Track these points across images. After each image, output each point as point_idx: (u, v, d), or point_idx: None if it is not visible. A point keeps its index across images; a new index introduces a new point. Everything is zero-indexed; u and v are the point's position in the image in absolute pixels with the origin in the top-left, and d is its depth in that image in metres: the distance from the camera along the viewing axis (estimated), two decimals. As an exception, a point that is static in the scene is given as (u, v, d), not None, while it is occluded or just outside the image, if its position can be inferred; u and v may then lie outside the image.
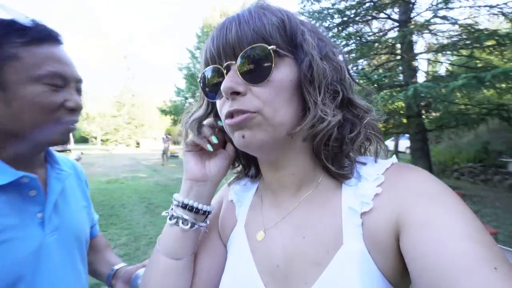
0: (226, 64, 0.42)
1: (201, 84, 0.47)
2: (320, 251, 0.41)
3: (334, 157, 0.43)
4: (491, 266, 0.27)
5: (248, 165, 0.58)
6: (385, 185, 0.40)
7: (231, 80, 0.41)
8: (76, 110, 0.62)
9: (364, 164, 0.44)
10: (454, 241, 0.29)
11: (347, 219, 0.40)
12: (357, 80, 0.47)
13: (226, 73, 0.42)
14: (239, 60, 0.41)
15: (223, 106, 0.44)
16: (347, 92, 0.44)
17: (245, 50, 0.40)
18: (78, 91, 0.66)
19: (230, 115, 0.42)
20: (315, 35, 0.44)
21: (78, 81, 0.65)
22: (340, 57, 0.45)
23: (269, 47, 0.39)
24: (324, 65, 0.42)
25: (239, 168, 0.58)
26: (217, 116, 0.51)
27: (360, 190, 0.41)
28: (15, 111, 0.55)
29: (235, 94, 0.41)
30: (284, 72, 0.41)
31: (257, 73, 0.40)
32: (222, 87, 0.41)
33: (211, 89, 0.46)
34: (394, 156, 0.44)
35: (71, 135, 0.65)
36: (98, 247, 0.87)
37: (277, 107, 0.40)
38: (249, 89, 0.41)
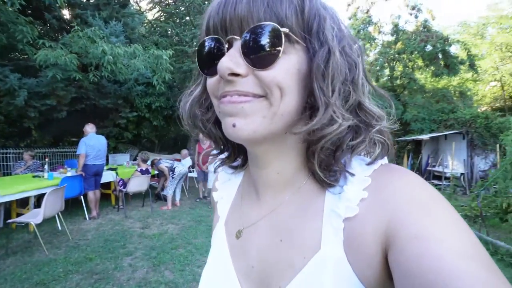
0: (228, 37, 0.36)
1: (197, 56, 0.40)
2: (296, 255, 0.39)
3: (325, 162, 0.39)
4: (491, 287, 0.26)
5: (236, 152, 0.52)
6: (372, 189, 0.36)
7: (231, 59, 0.35)
8: None
9: (352, 167, 0.40)
10: (452, 257, 0.27)
11: (328, 223, 0.38)
12: (371, 82, 0.41)
13: (228, 49, 0.36)
14: (244, 36, 0.35)
15: (218, 84, 0.38)
16: (359, 94, 0.38)
17: (253, 27, 0.34)
18: None
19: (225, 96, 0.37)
20: (336, 24, 0.38)
21: None
22: (357, 53, 0.39)
23: (282, 29, 0.34)
24: (342, 60, 0.36)
25: (223, 156, 0.52)
26: None
27: (345, 194, 0.37)
28: None
29: (233, 75, 0.35)
30: (293, 60, 0.35)
31: (262, 55, 0.34)
32: (219, 66, 0.35)
33: (207, 63, 0.39)
34: (385, 157, 0.40)
35: None
36: None
37: (284, 92, 0.35)
38: (251, 71, 0.35)
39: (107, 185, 5.90)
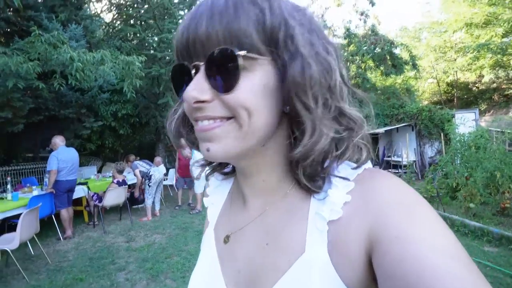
0: (194, 63, 0.36)
1: (172, 80, 0.41)
2: (281, 258, 0.39)
3: (310, 172, 0.39)
4: (473, 285, 0.26)
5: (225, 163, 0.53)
6: (355, 192, 0.37)
7: (196, 86, 0.35)
8: None
9: (337, 171, 0.40)
10: (432, 257, 0.28)
11: (312, 226, 0.38)
12: (349, 85, 0.40)
13: (194, 74, 0.36)
14: (206, 62, 0.35)
15: (191, 109, 0.38)
16: (338, 100, 0.37)
17: (212, 52, 0.34)
18: None
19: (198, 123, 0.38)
20: (308, 30, 0.36)
21: None
22: (333, 56, 0.37)
23: (237, 53, 0.33)
24: (319, 67, 0.35)
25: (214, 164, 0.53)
26: None
27: (329, 198, 0.37)
28: None
29: (199, 103, 0.36)
30: (257, 77, 0.35)
31: (224, 79, 0.34)
32: (184, 95, 0.35)
33: (180, 88, 0.39)
34: (369, 161, 0.40)
35: None
36: None
37: (251, 113, 0.35)
38: (216, 96, 0.35)
39: (77, 201, 5.48)
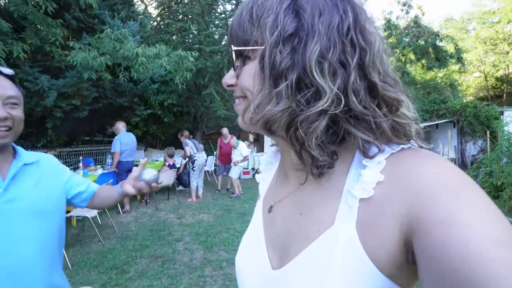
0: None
1: None
2: (311, 228, 0.42)
3: (299, 151, 0.40)
4: None
5: None
6: (388, 171, 0.36)
7: (229, 75, 0.46)
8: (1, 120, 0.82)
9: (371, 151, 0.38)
10: (480, 243, 0.26)
11: (344, 202, 0.39)
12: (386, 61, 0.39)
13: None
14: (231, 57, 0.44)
15: None
16: (368, 74, 0.37)
17: (230, 48, 0.44)
18: (10, 104, 0.84)
19: None
20: (292, 9, 0.37)
21: (8, 97, 0.84)
22: (337, 26, 0.36)
23: (233, 48, 0.42)
24: (281, 48, 0.36)
25: None
26: None
27: (362, 177, 0.38)
28: None
29: (230, 86, 0.46)
30: (254, 63, 0.41)
31: (235, 69, 0.44)
32: (222, 80, 0.47)
33: None
34: (413, 142, 0.39)
35: None
36: (100, 193, 1.11)
37: (253, 93, 0.41)
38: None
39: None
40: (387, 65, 0.39)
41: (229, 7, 8.17)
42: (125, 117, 7.89)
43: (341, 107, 0.35)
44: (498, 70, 19.12)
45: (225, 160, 6.87)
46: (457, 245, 0.27)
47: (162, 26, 8.89)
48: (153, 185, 1.01)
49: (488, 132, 8.57)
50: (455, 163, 9.62)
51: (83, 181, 1.12)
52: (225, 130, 6.83)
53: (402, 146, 0.38)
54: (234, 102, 0.48)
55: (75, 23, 6.01)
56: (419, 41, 11.94)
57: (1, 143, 0.84)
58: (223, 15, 7.33)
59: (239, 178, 7.03)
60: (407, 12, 12.98)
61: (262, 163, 0.64)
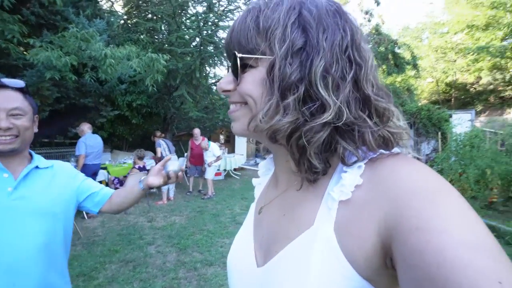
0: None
1: None
2: (292, 228, 0.44)
3: (298, 159, 0.42)
4: (495, 279, 0.24)
5: None
6: (367, 175, 0.37)
7: (226, 79, 0.46)
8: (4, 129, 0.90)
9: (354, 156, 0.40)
10: (454, 249, 0.26)
11: (324, 204, 0.41)
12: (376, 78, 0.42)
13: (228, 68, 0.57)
14: (230, 61, 0.44)
15: None
16: (365, 88, 0.39)
17: (229, 54, 0.44)
18: (15, 115, 0.93)
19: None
20: (298, 24, 0.39)
21: (12, 109, 0.92)
22: (336, 41, 0.38)
23: (238, 55, 0.42)
24: (290, 62, 0.38)
25: None
26: None
27: (342, 180, 0.39)
28: None
29: (226, 92, 0.46)
30: (257, 72, 0.42)
31: (235, 74, 0.44)
32: (217, 85, 0.47)
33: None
34: (395, 147, 0.41)
35: None
36: (118, 194, 1.14)
37: (255, 101, 0.42)
38: (235, 86, 0.45)
39: (98, 184, 5.87)
40: (378, 79, 0.42)
41: (200, 8, 8.14)
42: (90, 118, 7.51)
43: (344, 119, 0.37)
44: (448, 76, 21.20)
45: (196, 161, 6.85)
46: (432, 252, 0.27)
47: (130, 25, 8.62)
48: (180, 174, 1.08)
49: (439, 133, 9.46)
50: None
51: (97, 185, 1.17)
52: (196, 131, 6.80)
53: (382, 151, 0.39)
54: (227, 108, 0.52)
55: (34, 19, 5.64)
56: (380, 48, 12.82)
57: (8, 148, 0.93)
58: (194, 17, 7.28)
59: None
60: (369, 20, 13.87)
61: (260, 168, 0.66)
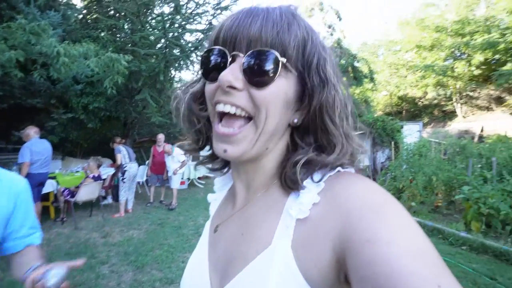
0: (233, 53, 0.40)
1: (202, 61, 0.44)
2: (250, 248, 0.42)
3: (291, 176, 0.42)
4: (435, 284, 0.27)
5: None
6: (324, 194, 0.39)
7: (232, 73, 0.39)
8: None
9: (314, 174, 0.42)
10: (399, 259, 0.29)
11: (282, 222, 0.41)
12: (353, 115, 0.46)
13: (230, 63, 0.40)
14: (249, 56, 0.39)
15: (215, 92, 0.42)
16: (350, 126, 0.44)
17: (259, 50, 0.39)
18: None
19: (221, 116, 0.42)
20: (333, 65, 0.43)
21: None
22: (345, 90, 0.44)
23: (281, 59, 0.39)
24: (342, 96, 0.42)
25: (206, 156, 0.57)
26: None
27: (300, 198, 0.40)
28: None
29: (231, 88, 0.40)
30: (283, 84, 0.40)
31: (259, 76, 0.39)
32: (221, 77, 0.39)
33: (209, 70, 0.43)
34: (349, 167, 0.44)
35: None
36: (22, 260, 0.94)
37: (268, 113, 0.40)
38: (246, 87, 0.40)
39: (44, 196, 5.28)
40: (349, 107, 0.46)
41: (167, 9, 7.86)
42: (38, 121, 6.82)
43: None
44: (400, 90, 23.32)
45: (158, 170, 6.52)
46: (381, 262, 0.29)
47: (89, 21, 8.02)
48: (63, 287, 0.82)
49: (392, 142, 10.21)
50: (368, 169, 11.19)
51: (30, 226, 0.99)
52: (160, 136, 6.47)
53: (339, 169, 0.42)
54: (220, 128, 0.42)
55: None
56: (341, 61, 13.61)
57: None
58: (160, 17, 6.99)
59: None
60: (332, 34, 14.65)
61: (216, 184, 0.63)
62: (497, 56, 18.31)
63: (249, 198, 0.48)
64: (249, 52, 0.39)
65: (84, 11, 8.15)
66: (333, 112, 0.42)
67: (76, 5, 7.70)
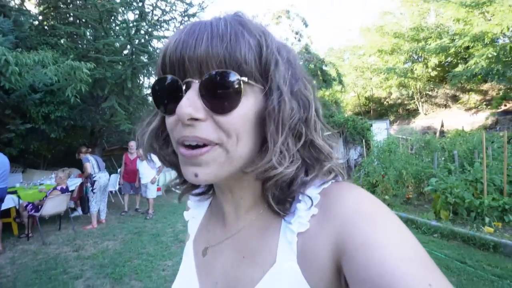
0: (187, 80, 0.36)
1: (153, 92, 0.40)
2: (255, 270, 0.41)
3: (278, 196, 0.41)
4: (427, 283, 0.28)
5: None
6: (321, 205, 0.39)
7: (190, 104, 0.35)
8: None
9: (306, 188, 0.41)
10: (393, 261, 0.30)
11: (283, 238, 0.40)
12: (322, 119, 0.44)
13: (185, 91, 0.36)
14: (204, 80, 0.35)
15: (176, 126, 0.38)
16: (311, 133, 0.40)
17: (213, 73, 0.34)
18: None
19: (184, 143, 0.37)
20: (289, 64, 0.39)
21: None
22: (311, 93, 0.41)
23: (241, 78, 0.35)
24: (293, 103, 0.38)
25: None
26: None
27: (297, 211, 0.40)
28: None
29: (192, 120, 0.35)
30: (250, 103, 0.36)
31: (221, 101, 0.35)
32: (178, 110, 0.35)
33: (163, 102, 0.39)
34: (339, 177, 0.44)
35: None
36: None
37: (239, 138, 0.36)
38: (210, 115, 0.36)
39: (4, 212, 4.83)
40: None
41: (132, 16, 7.63)
42: (-8, 133, 6.26)
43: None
44: (366, 91, 24.69)
45: (131, 178, 6.26)
46: (375, 265, 0.30)
47: (46, 27, 7.56)
48: None
49: (363, 140, 10.69)
50: (343, 166, 11.58)
51: None
52: (132, 144, 6.23)
53: (332, 181, 0.42)
54: (186, 149, 0.37)
55: None
56: (310, 65, 14.05)
57: None
58: (124, 24, 6.76)
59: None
60: (299, 40, 15.13)
61: (191, 199, 0.58)
62: (449, 59, 20.11)
63: (240, 217, 0.47)
64: (204, 77, 0.35)
65: (40, 18, 7.69)
66: (274, 123, 0.37)
67: (30, 11, 7.26)
